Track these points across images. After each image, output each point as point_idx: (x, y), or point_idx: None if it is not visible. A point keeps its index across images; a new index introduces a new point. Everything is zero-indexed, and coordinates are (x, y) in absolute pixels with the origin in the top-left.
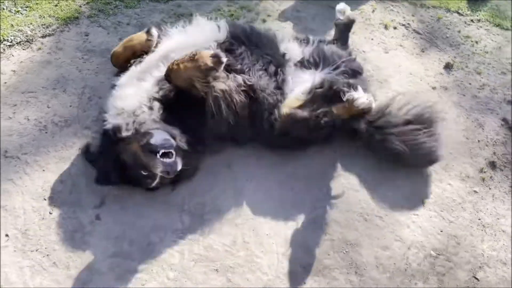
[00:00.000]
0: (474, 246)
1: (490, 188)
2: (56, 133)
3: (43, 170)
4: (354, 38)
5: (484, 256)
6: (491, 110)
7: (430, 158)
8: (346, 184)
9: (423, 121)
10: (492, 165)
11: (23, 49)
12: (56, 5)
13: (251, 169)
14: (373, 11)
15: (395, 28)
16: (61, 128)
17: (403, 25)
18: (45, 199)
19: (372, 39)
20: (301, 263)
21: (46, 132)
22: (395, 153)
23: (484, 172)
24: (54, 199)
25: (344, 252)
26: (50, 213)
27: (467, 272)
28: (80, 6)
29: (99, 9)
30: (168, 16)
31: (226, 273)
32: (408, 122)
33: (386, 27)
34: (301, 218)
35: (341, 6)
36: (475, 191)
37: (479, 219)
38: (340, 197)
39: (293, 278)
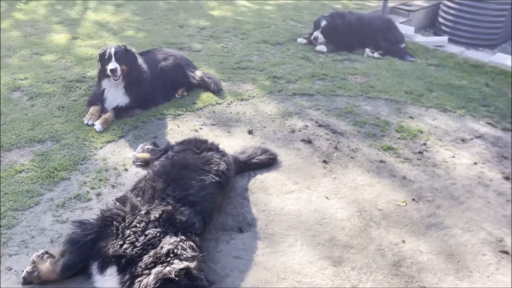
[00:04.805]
0: None
1: (320, 156)
2: None
3: None
4: None
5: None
6: (291, 141)
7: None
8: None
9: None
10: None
11: None
12: None
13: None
14: (178, 126)
15: (201, 128)
16: None
17: (203, 124)
18: None
19: None
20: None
21: None
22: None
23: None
24: None
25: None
26: None
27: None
28: None
29: None
30: None
31: None
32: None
33: (196, 130)
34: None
35: None
36: (325, 166)
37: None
38: None
39: (339, 275)
